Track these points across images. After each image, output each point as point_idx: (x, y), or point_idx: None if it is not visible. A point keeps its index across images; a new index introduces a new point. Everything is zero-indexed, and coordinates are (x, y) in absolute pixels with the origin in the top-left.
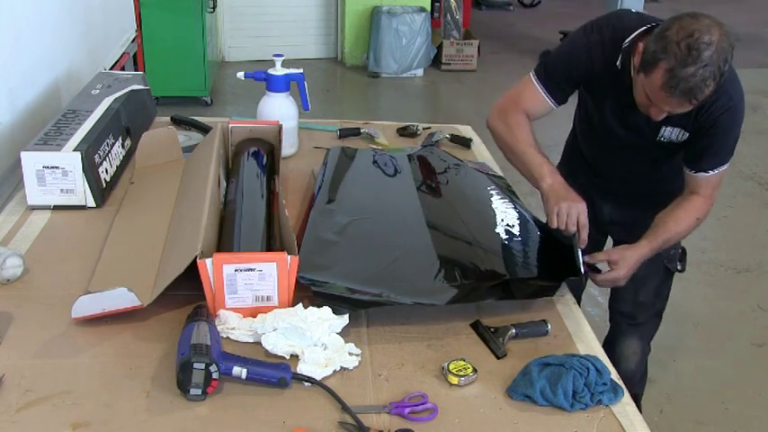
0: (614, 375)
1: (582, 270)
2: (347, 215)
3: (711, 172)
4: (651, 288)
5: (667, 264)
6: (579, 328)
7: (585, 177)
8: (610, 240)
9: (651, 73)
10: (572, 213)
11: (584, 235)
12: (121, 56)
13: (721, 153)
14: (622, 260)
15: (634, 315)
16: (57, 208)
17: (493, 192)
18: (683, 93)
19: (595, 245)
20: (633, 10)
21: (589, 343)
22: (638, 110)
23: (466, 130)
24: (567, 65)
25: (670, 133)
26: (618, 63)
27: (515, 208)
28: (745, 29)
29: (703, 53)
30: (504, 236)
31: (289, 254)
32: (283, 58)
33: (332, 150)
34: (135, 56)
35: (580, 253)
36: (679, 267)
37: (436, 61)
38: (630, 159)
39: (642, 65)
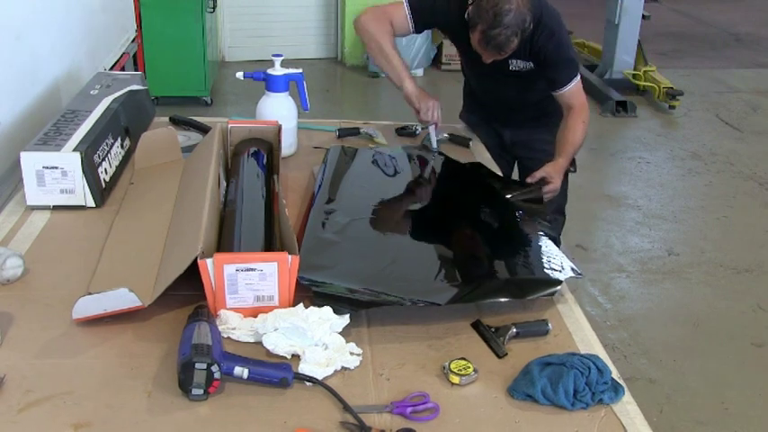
0: (615, 374)
1: (434, 147)
2: (347, 215)
3: (568, 86)
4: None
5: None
6: (580, 327)
7: (482, 110)
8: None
9: (473, 32)
10: (431, 107)
11: (438, 122)
12: (121, 56)
13: (565, 68)
14: (554, 172)
15: None
16: (56, 208)
17: (492, 192)
18: (495, 47)
19: (508, 164)
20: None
21: (590, 342)
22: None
23: (465, 130)
24: (432, 8)
25: (515, 64)
26: (466, 15)
27: (515, 208)
28: (745, 29)
29: (505, 18)
30: (504, 235)
31: (289, 254)
32: (282, 58)
33: (331, 150)
34: (135, 56)
35: (434, 132)
36: (572, 169)
37: (436, 61)
38: (503, 88)
39: (468, 24)
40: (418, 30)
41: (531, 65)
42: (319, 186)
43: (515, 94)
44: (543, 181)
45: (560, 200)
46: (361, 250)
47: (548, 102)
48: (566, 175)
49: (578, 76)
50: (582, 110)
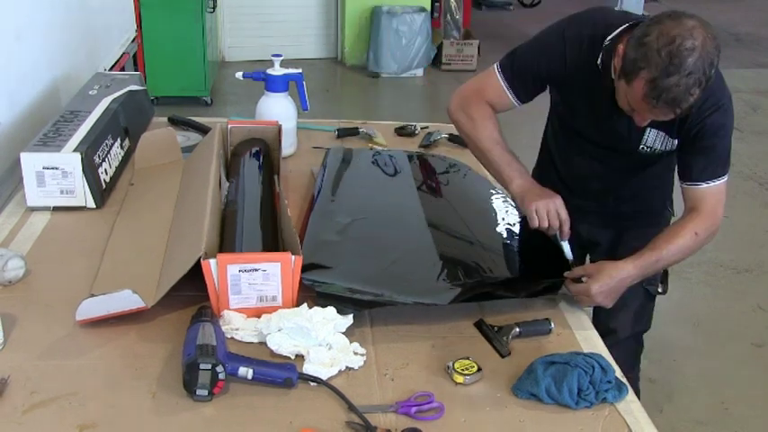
0: (618, 373)
1: (571, 260)
2: (348, 215)
3: (707, 183)
4: (629, 313)
5: (646, 286)
6: (582, 326)
7: (553, 187)
8: None
9: (632, 82)
10: (551, 209)
11: (567, 228)
12: (121, 56)
13: (715, 160)
14: (598, 272)
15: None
16: (56, 209)
17: (492, 191)
18: (667, 103)
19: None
20: (616, 8)
21: (593, 341)
22: (619, 113)
23: None
24: (537, 63)
25: (654, 139)
26: (598, 62)
27: (515, 207)
28: (745, 29)
29: (686, 60)
30: (505, 235)
31: (292, 254)
32: (282, 58)
33: (332, 150)
34: (135, 56)
35: (567, 245)
36: (660, 290)
37: (436, 61)
38: (606, 169)
39: (622, 72)
40: (524, 99)
41: (675, 144)
42: (320, 187)
43: (618, 180)
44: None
45: (640, 323)
46: (363, 250)
47: (657, 194)
48: (651, 297)
49: (726, 177)
50: (706, 220)
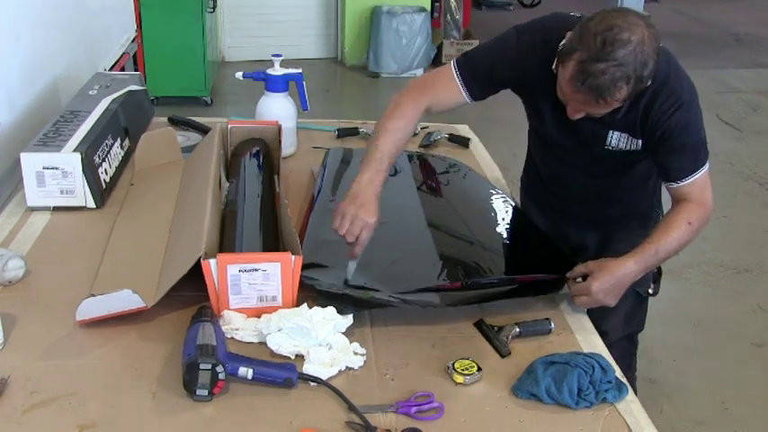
0: (618, 373)
1: (348, 279)
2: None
3: (690, 177)
4: (620, 315)
5: (636, 287)
6: (582, 326)
7: (543, 198)
8: None
9: (566, 63)
10: (356, 225)
11: (357, 250)
12: (121, 56)
13: (690, 156)
14: (599, 270)
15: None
16: (57, 209)
17: (492, 191)
18: (591, 89)
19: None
20: (573, 13)
21: (593, 341)
22: (581, 120)
23: (464, 130)
24: (492, 63)
25: (618, 140)
26: (554, 66)
27: (514, 207)
28: (745, 29)
29: (618, 50)
30: (505, 235)
31: (292, 254)
32: (282, 58)
33: (332, 150)
34: (135, 56)
35: (353, 264)
36: (650, 291)
37: (436, 61)
38: (582, 172)
39: (560, 54)
40: (477, 97)
41: (639, 144)
42: (320, 187)
43: (596, 183)
44: (584, 277)
45: (631, 325)
46: (363, 251)
47: (638, 196)
48: (642, 298)
49: (706, 166)
50: (697, 208)
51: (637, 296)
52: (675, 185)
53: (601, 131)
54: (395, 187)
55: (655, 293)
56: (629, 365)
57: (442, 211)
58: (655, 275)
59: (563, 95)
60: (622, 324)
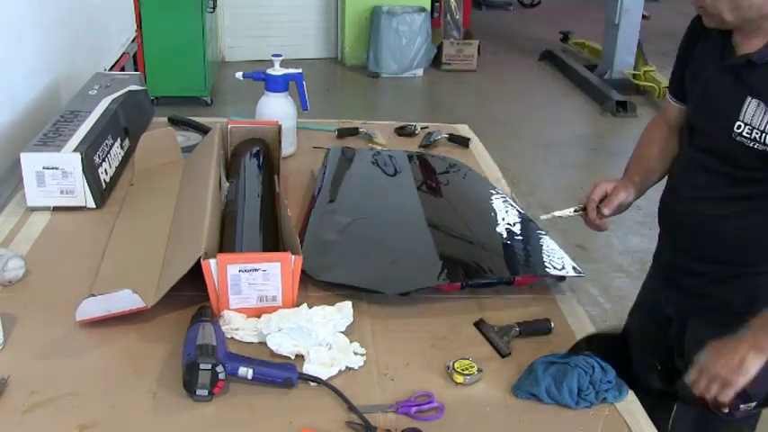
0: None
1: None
2: (348, 215)
3: None
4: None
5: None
6: (582, 326)
7: (659, 249)
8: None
9: None
10: (596, 189)
11: (591, 209)
12: (121, 56)
13: None
14: (713, 360)
15: None
16: (57, 209)
17: (492, 191)
18: None
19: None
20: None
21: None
22: (723, 75)
23: (464, 130)
24: (677, 57)
25: (753, 112)
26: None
27: (514, 207)
28: None
29: None
30: (505, 235)
31: (292, 254)
32: (282, 58)
33: (332, 151)
34: (135, 56)
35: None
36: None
37: (436, 61)
38: (708, 180)
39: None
40: (679, 98)
41: None
42: (320, 187)
43: (723, 207)
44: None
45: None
46: (363, 250)
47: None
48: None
49: None
50: None
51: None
52: None
53: (738, 94)
54: (395, 187)
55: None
56: None
57: (442, 210)
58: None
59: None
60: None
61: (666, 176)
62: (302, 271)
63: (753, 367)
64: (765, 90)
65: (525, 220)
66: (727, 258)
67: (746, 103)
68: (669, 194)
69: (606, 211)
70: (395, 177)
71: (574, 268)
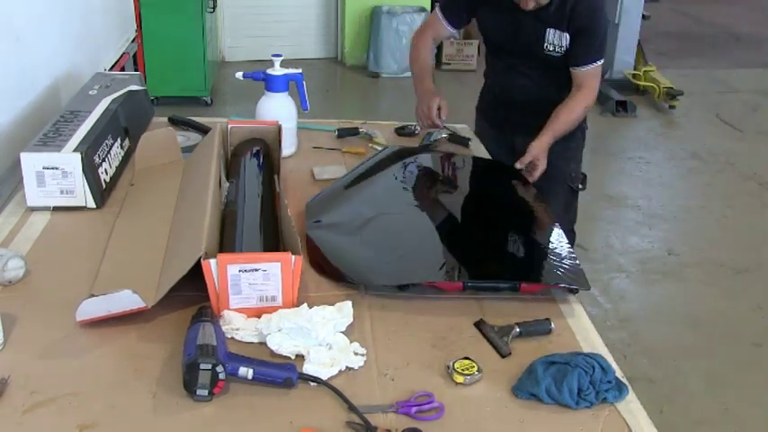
0: (619, 373)
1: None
2: (372, 209)
3: (589, 66)
4: (560, 203)
5: (570, 183)
6: (582, 326)
7: (495, 114)
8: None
9: None
10: (423, 109)
11: (440, 125)
12: (121, 56)
13: (594, 45)
14: (540, 154)
15: None
16: (57, 209)
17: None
18: None
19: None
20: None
21: (593, 341)
22: (525, 18)
23: (464, 130)
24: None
25: (552, 37)
26: None
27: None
28: (745, 29)
29: None
30: (515, 237)
31: (293, 254)
32: (282, 58)
33: (388, 149)
34: (135, 56)
35: (437, 133)
36: (580, 187)
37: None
38: (526, 79)
39: None
40: (455, 26)
41: (567, 40)
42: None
43: (537, 90)
44: (531, 164)
45: (569, 221)
46: (376, 244)
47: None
48: (574, 192)
49: (601, 62)
50: (590, 94)
51: (571, 191)
52: (579, 69)
53: (540, 30)
54: (409, 182)
55: (583, 188)
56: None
57: (458, 209)
58: (582, 178)
59: None
60: (562, 212)
61: (486, 79)
62: (300, 282)
63: (545, 157)
64: (556, 23)
65: (542, 220)
66: (537, 110)
67: (548, 32)
68: (495, 89)
69: (445, 117)
70: (410, 174)
71: (584, 278)
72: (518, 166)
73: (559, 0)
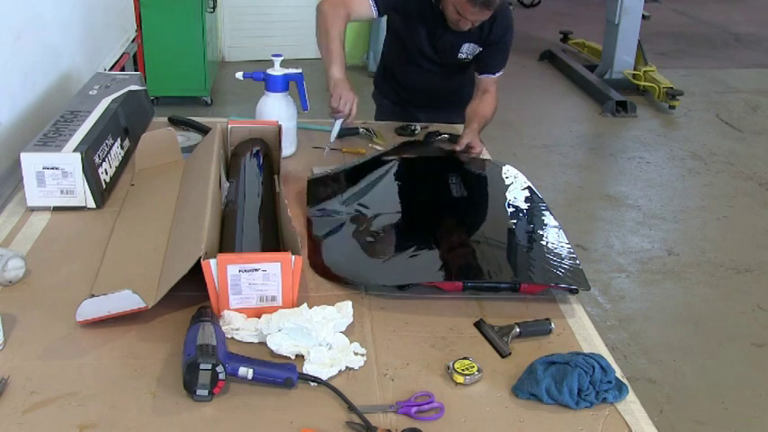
0: (619, 374)
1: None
2: (375, 207)
3: (497, 74)
4: None
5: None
6: (582, 326)
7: (396, 95)
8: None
9: None
10: (348, 101)
11: (349, 116)
12: (121, 56)
13: (504, 59)
14: (474, 138)
15: None
16: (57, 209)
17: (515, 185)
18: (483, 4)
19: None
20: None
21: (593, 341)
22: (445, 33)
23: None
24: None
25: (467, 49)
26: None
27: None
28: (745, 29)
29: None
30: (518, 236)
31: (292, 254)
32: (282, 58)
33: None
34: (135, 56)
35: (338, 125)
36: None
37: None
38: (435, 76)
39: None
40: (380, 13)
41: (478, 50)
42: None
43: (443, 83)
44: (469, 146)
45: None
46: (376, 244)
47: (463, 89)
48: None
49: (502, 71)
50: (495, 98)
51: None
52: (488, 77)
53: (458, 43)
54: (409, 182)
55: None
56: None
57: (458, 209)
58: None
59: (456, 15)
60: None
61: (385, 60)
62: (300, 282)
63: (478, 139)
64: (473, 38)
65: (543, 219)
66: (440, 95)
67: (464, 45)
68: (399, 77)
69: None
70: (416, 177)
71: (584, 278)
72: (457, 148)
73: (480, 23)
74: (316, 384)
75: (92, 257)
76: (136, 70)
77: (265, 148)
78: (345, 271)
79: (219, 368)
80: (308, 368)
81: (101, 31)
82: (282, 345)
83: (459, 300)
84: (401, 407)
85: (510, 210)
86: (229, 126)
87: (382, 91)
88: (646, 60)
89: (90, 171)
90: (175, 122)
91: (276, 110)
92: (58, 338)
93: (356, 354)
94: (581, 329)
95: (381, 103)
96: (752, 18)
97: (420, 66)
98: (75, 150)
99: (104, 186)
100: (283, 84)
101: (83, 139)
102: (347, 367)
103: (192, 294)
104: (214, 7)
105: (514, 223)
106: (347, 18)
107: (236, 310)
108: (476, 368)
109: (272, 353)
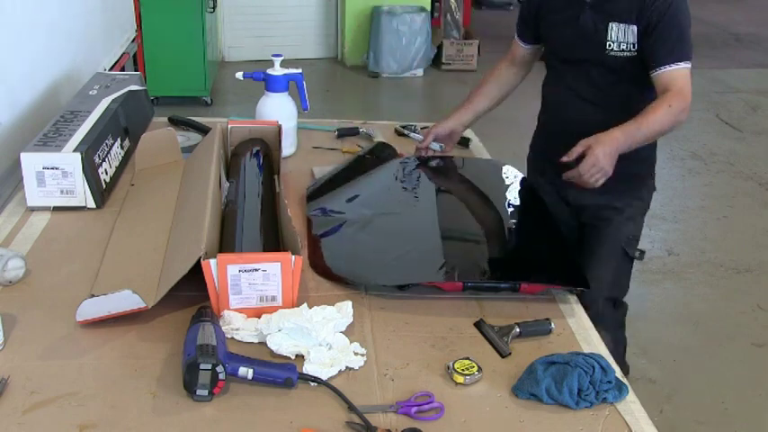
0: (619, 373)
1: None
2: (371, 208)
3: (672, 65)
4: (610, 269)
5: (625, 247)
6: (582, 326)
7: (542, 152)
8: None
9: None
10: (430, 132)
11: (426, 142)
12: (121, 56)
13: (678, 45)
14: (596, 141)
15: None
16: (57, 209)
17: (513, 185)
18: None
19: (571, 231)
20: None
21: (593, 341)
22: (587, 11)
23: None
24: (521, 8)
25: (617, 32)
26: None
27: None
28: (745, 29)
29: None
30: (518, 235)
31: (292, 254)
32: (282, 58)
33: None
34: (135, 56)
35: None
36: (636, 254)
37: (436, 61)
38: (585, 104)
39: None
40: (527, 41)
41: (635, 34)
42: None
43: (597, 115)
44: (583, 154)
45: (620, 290)
46: (376, 244)
47: (640, 151)
48: (629, 259)
49: (689, 64)
50: (677, 96)
51: (624, 256)
52: (661, 70)
53: (602, 23)
54: (409, 182)
55: (640, 258)
56: (616, 335)
57: (457, 209)
58: (640, 252)
59: None
60: (610, 281)
61: (543, 98)
62: (300, 282)
63: (607, 157)
64: (619, 15)
65: (543, 218)
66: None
67: (611, 24)
68: (548, 123)
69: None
70: (413, 180)
71: (584, 278)
72: (564, 159)
73: None
74: (316, 384)
75: (92, 257)
76: (136, 70)
77: (265, 148)
78: (345, 271)
79: (219, 368)
80: (308, 368)
81: (101, 31)
82: (282, 345)
83: (459, 300)
84: (401, 407)
85: (510, 210)
86: (229, 126)
87: (534, 161)
88: None
89: (90, 171)
90: (175, 122)
91: (276, 110)
92: (58, 338)
93: (356, 354)
94: (581, 329)
95: (533, 177)
96: (752, 18)
97: (565, 86)
98: (75, 150)
99: (104, 186)
100: (283, 84)
101: (83, 139)
102: (347, 367)
103: (191, 294)
104: (214, 7)
105: (514, 223)
106: (503, 64)
107: (236, 310)
108: (476, 368)
109: (272, 353)
